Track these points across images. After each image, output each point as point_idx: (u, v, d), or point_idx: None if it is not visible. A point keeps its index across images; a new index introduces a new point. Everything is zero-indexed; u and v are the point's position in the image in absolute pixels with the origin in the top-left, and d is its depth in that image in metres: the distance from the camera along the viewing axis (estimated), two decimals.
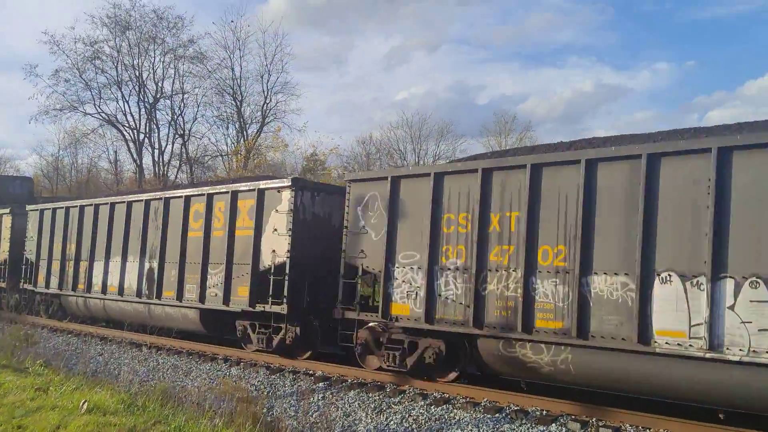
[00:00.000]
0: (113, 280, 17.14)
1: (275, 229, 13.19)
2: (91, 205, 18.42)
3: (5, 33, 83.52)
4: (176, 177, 40.01)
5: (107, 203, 17.81)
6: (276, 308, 12.91)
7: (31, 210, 21.04)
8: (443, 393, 10.36)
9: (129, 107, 40.38)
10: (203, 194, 14.83)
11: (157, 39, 38.33)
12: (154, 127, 39.70)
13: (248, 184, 14.08)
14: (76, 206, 18.89)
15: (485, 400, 9.83)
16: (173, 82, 39.36)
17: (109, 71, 38.42)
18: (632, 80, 62.44)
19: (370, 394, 10.50)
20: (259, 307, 13.29)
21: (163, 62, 39.01)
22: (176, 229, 15.38)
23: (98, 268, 17.69)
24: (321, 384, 11.37)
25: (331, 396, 10.52)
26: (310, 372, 12.22)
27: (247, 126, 39.54)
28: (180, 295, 15.02)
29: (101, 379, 10.58)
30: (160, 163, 39.76)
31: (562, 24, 65.13)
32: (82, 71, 37.85)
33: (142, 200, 16.67)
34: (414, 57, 69.55)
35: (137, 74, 38.69)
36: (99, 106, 38.85)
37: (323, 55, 68.68)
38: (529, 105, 59.35)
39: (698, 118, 52.82)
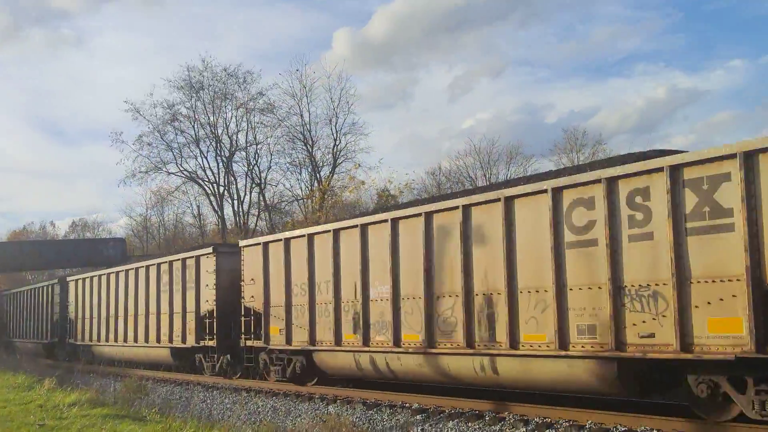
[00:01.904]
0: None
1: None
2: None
3: (92, 105, 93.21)
4: (256, 225, 42.45)
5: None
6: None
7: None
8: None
9: (208, 162, 42.75)
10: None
11: (228, 95, 41.47)
12: (232, 179, 42.44)
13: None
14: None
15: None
16: (246, 134, 42.12)
17: (187, 131, 41.72)
18: (706, 81, 63.14)
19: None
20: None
21: (236, 116, 41.98)
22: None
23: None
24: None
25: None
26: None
27: (320, 169, 41.41)
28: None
29: (215, 421, 11.36)
30: (240, 213, 42.39)
31: (626, 33, 65.86)
32: (163, 133, 41.44)
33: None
34: (478, 84, 73.39)
35: (213, 130, 41.81)
36: (180, 165, 42.25)
37: (389, 92, 73.00)
38: (600, 118, 60.29)
39: None
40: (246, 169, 42.43)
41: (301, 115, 41.43)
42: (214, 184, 42.59)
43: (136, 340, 21.65)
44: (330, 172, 40.96)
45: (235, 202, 42.59)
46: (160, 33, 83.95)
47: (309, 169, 41.57)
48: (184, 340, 19.05)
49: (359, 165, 39.95)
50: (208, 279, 17.99)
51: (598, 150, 41.38)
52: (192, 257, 18.84)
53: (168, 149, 41.86)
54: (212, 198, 42.97)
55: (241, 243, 17.21)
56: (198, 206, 47.18)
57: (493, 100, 70.18)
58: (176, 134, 41.76)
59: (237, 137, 42.22)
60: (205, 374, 18.96)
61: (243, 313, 16.70)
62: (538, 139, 62.95)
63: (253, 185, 42.43)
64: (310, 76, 43.33)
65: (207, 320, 17.93)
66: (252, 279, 16.36)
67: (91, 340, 25.09)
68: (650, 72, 65.88)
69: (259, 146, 41.87)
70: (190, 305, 18.77)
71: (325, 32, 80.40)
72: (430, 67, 71.82)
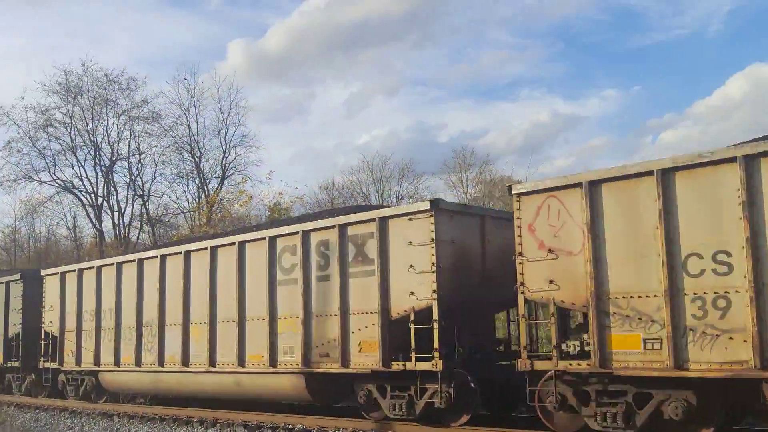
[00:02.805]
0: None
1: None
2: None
3: None
4: (138, 238, 40.78)
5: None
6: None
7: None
8: None
9: (85, 172, 40.21)
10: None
11: (109, 102, 39.47)
12: (112, 189, 40.50)
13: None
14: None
15: None
16: (129, 144, 40.16)
17: (63, 137, 39.26)
18: (583, 108, 69.26)
19: None
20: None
21: (117, 124, 39.97)
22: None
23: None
24: None
25: None
26: None
27: (208, 181, 40.26)
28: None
29: None
30: (121, 226, 40.30)
31: (513, 59, 71.69)
32: (35, 140, 38.70)
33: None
34: (374, 101, 75.73)
35: (91, 138, 39.58)
36: (54, 174, 39.58)
37: (285, 105, 73.51)
38: (489, 139, 64.46)
39: (652, 140, 58.39)
40: (128, 179, 40.64)
41: (189, 126, 40.19)
42: (92, 195, 40.42)
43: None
44: (218, 185, 40.03)
45: (116, 213, 40.66)
46: (39, 33, 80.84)
47: (196, 182, 40.41)
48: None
49: (248, 179, 39.22)
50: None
51: (485, 170, 43.09)
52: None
53: (40, 156, 39.25)
54: (89, 209, 40.73)
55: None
56: (74, 218, 44.83)
57: (387, 118, 73.25)
58: (50, 141, 39.35)
59: (118, 146, 40.38)
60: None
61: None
62: (430, 158, 66.14)
63: (135, 197, 40.66)
64: (199, 86, 41.35)
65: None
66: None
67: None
68: (534, 97, 71.98)
69: (142, 156, 40.28)
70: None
71: (219, 42, 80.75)
72: (327, 82, 73.58)
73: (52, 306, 17.84)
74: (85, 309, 16.84)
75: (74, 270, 17.34)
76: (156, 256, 15.15)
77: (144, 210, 40.68)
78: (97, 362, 16.42)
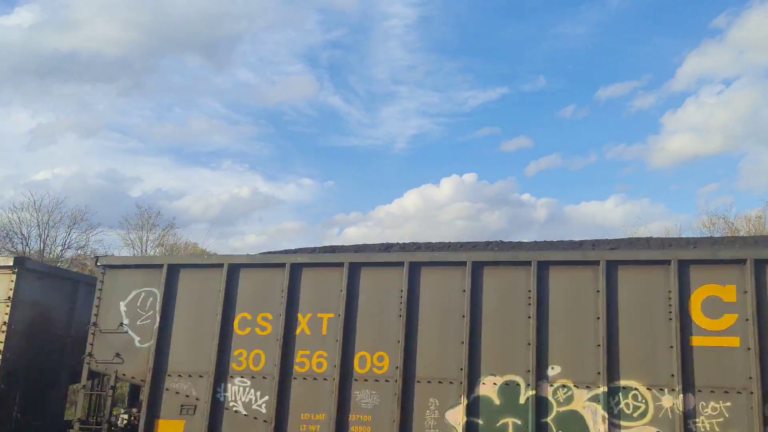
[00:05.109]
0: None
1: None
2: None
3: None
4: None
5: None
6: None
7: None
8: None
9: None
10: None
11: None
12: None
13: None
14: None
15: None
16: None
17: None
18: (281, 191, 71.26)
19: None
20: None
21: None
22: None
23: None
24: None
25: None
26: None
27: None
28: None
29: None
30: None
31: (222, 130, 70.66)
32: None
33: None
34: (64, 138, 67.41)
35: None
36: None
37: None
38: (186, 202, 61.31)
39: (338, 232, 60.95)
40: None
41: None
42: None
43: None
44: None
45: None
46: None
47: None
48: None
49: None
50: None
51: (169, 233, 41.24)
52: None
53: None
54: None
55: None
56: None
57: (78, 159, 66.20)
58: None
59: None
60: None
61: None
62: (118, 210, 61.19)
63: None
64: None
65: None
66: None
67: None
68: (235, 170, 72.09)
69: None
70: None
71: None
72: (12, 105, 63.59)
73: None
74: None
75: None
76: None
77: None
78: None
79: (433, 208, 59.69)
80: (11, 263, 10.30)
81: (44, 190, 56.79)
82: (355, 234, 58.34)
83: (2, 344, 9.97)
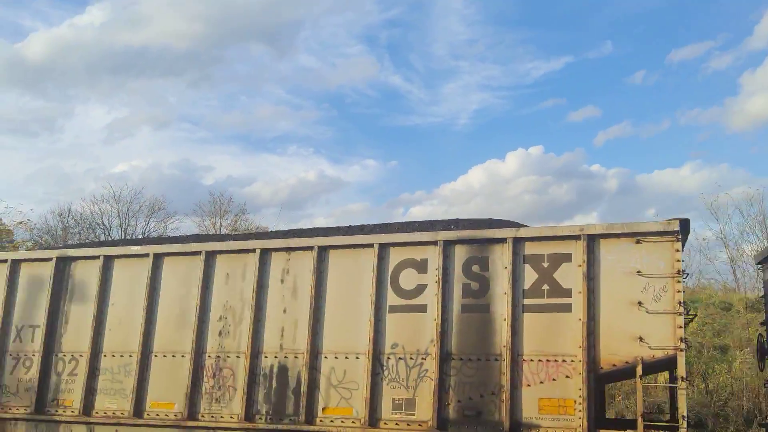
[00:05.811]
0: None
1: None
2: None
3: None
4: None
5: None
6: None
7: None
8: None
9: None
10: None
11: None
12: None
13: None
14: None
15: None
16: None
17: None
18: (345, 173, 70.90)
19: None
20: None
21: None
22: None
23: None
24: None
25: None
26: None
27: None
28: None
29: None
30: None
31: (285, 115, 70.63)
32: None
33: None
34: (140, 131, 67.67)
35: None
36: None
37: (34, 118, 62.32)
38: (255, 188, 62.18)
39: (403, 212, 60.37)
40: None
41: None
42: None
43: None
44: None
45: None
46: None
47: None
48: None
49: None
50: None
51: (241, 219, 38.44)
52: None
53: None
54: None
55: None
56: None
57: (152, 151, 67.05)
58: None
59: None
60: None
61: None
62: (192, 198, 60.96)
63: None
64: None
65: None
66: None
67: None
68: (300, 154, 70.59)
69: None
70: None
71: None
72: (90, 103, 65.97)
73: None
74: None
75: None
76: None
77: None
78: None
79: (499, 183, 59.42)
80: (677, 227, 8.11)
81: (123, 182, 52.55)
82: (420, 212, 58.10)
83: (682, 329, 7.92)
